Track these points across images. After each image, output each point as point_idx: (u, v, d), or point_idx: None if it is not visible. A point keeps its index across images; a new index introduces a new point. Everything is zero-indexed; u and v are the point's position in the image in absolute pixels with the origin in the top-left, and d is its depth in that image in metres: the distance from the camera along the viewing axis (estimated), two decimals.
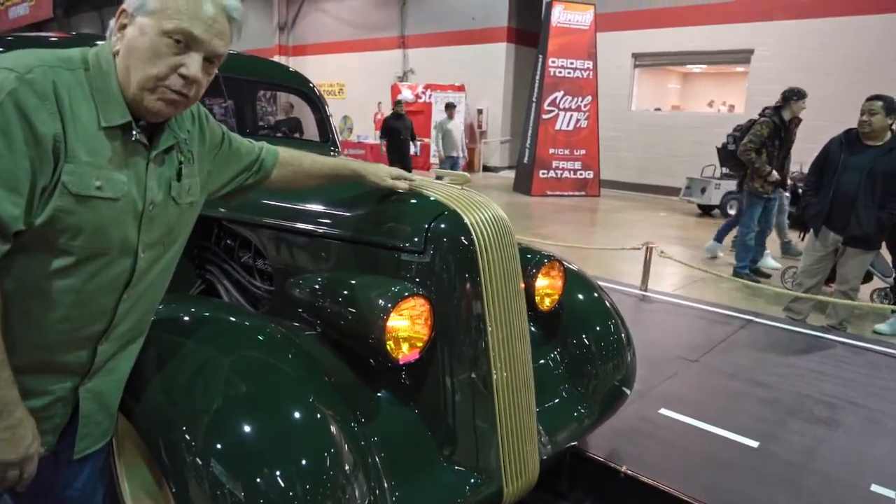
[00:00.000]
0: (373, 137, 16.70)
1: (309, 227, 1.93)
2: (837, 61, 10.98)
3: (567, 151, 12.39)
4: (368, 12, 19.39)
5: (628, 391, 2.31)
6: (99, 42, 1.20)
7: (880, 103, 4.08)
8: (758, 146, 5.75)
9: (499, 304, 1.72)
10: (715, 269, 5.94)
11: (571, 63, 12.13)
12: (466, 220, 1.69)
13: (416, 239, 1.68)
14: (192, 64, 1.10)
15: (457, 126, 10.92)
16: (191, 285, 2.37)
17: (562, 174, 12.49)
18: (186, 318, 1.61)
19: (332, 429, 1.38)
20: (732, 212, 10.47)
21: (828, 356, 3.81)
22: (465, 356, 1.66)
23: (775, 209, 6.26)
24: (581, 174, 12.63)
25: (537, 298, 2.10)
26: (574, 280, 2.28)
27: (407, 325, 1.62)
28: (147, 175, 1.16)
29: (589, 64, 12.25)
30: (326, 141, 3.31)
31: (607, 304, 2.36)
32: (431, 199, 1.73)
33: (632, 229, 8.91)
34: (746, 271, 6.08)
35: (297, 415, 1.38)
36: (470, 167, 16.97)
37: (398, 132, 10.21)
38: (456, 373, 1.67)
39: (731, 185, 10.42)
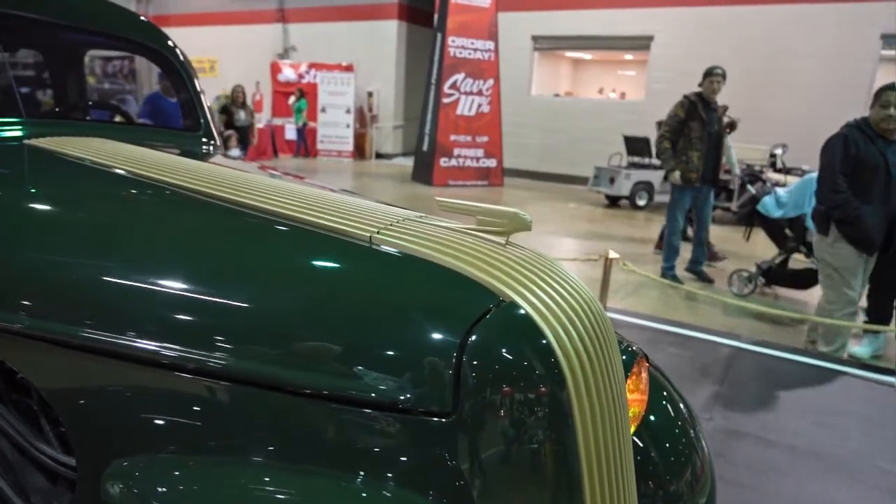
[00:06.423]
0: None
1: (154, 344, 0.83)
2: (733, 49, 10.97)
3: (469, 138, 11.59)
4: None
5: None
6: None
7: None
8: (674, 129, 5.31)
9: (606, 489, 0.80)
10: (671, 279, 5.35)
11: (472, 43, 11.30)
12: (539, 322, 0.74)
13: (433, 379, 0.70)
14: None
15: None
16: None
17: (464, 162, 11.69)
18: None
19: None
20: (642, 202, 10.17)
21: (852, 397, 3.22)
22: None
23: (710, 201, 5.73)
24: (483, 162, 11.91)
25: None
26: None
27: None
28: None
29: (490, 45, 11.48)
30: (197, 129, 2.13)
31: (677, 398, 1.49)
32: (460, 277, 0.75)
33: (546, 224, 8.25)
34: (672, 273, 5.57)
35: None
36: (361, 154, 15.77)
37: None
38: None
39: (642, 174, 10.10)
